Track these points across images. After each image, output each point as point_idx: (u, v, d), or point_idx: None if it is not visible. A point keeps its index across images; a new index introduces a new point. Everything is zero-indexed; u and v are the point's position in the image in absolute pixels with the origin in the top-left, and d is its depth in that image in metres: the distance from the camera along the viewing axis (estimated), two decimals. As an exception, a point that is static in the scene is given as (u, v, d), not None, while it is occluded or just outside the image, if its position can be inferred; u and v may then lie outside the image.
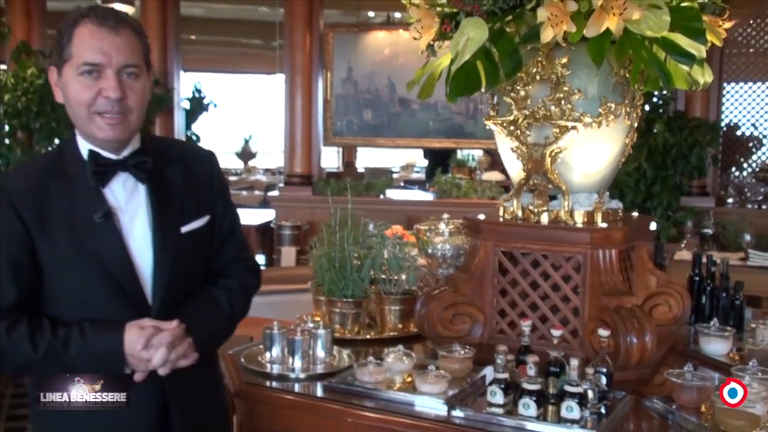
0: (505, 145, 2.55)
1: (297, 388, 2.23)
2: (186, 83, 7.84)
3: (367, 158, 12.41)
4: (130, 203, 1.79)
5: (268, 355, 2.36)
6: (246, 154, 14.02)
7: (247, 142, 13.86)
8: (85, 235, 1.72)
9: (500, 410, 2.01)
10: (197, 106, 8.13)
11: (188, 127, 7.93)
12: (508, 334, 2.48)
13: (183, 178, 1.87)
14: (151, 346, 1.70)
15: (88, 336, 1.69)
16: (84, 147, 1.80)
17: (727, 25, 2.45)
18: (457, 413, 2.03)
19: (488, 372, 2.15)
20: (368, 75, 7.36)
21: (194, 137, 8.06)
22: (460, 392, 2.14)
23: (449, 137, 7.50)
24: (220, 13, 9.68)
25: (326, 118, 7.39)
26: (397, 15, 9.39)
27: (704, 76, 2.48)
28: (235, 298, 1.97)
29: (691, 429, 1.98)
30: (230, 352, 2.47)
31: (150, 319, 1.74)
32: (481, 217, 2.62)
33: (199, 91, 8.16)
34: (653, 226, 6.12)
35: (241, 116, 11.40)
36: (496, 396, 2.04)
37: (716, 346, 2.55)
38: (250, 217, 7.27)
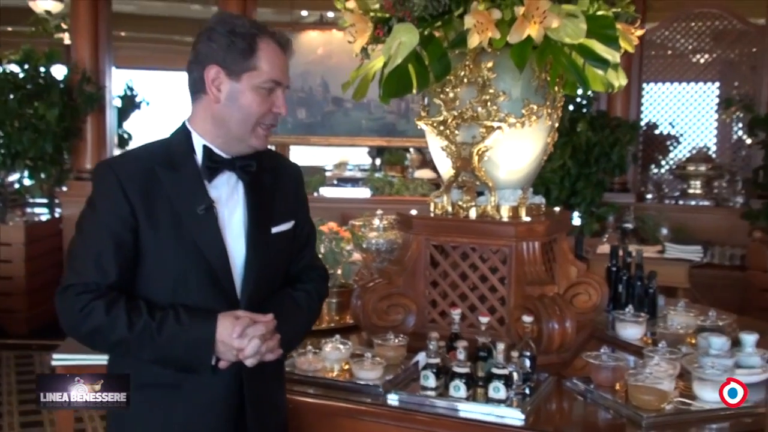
0: (435, 144, 2.68)
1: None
2: (119, 81, 7.74)
3: (300, 157, 12.45)
4: (230, 199, 1.86)
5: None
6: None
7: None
8: (187, 224, 1.78)
9: (433, 393, 2.15)
10: (129, 104, 8.04)
11: (120, 125, 7.85)
12: (440, 323, 2.62)
13: (274, 184, 1.96)
14: (245, 335, 1.74)
15: (183, 321, 1.73)
16: (199, 142, 1.86)
17: (640, 32, 2.64)
18: (392, 397, 2.15)
19: (421, 358, 2.28)
20: (302, 74, 7.42)
21: (126, 135, 7.98)
22: (395, 377, 2.27)
23: (381, 135, 7.64)
24: (152, 10, 9.58)
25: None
26: (330, 14, 9.48)
27: (619, 80, 2.65)
28: (312, 301, 2.02)
29: (607, 405, 2.15)
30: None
31: (244, 311, 1.79)
32: (414, 212, 2.75)
33: (131, 89, 8.08)
34: (577, 221, 6.35)
35: (174, 115, 11.29)
36: (429, 380, 2.17)
37: (631, 330, 2.74)
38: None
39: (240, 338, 1.74)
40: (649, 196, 7.19)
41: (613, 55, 2.45)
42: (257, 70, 1.80)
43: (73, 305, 1.73)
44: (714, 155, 7.22)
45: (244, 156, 1.88)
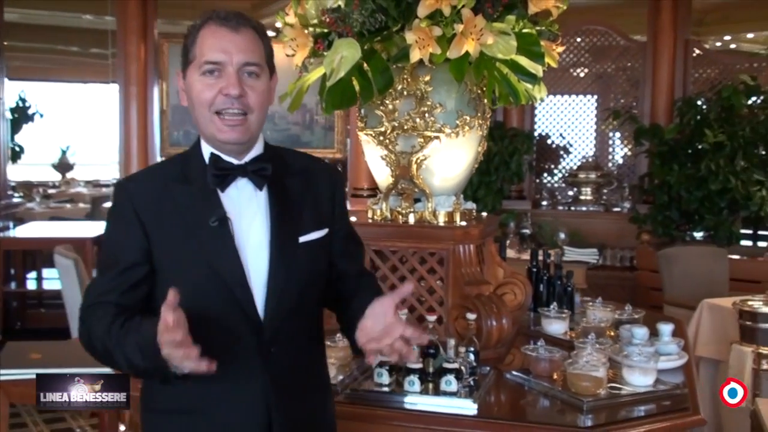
0: (374, 154, 2.81)
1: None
2: (11, 92, 7.47)
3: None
4: (247, 209, 1.75)
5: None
6: (63, 166, 13.39)
7: (64, 153, 13.26)
8: (199, 239, 1.69)
9: (387, 389, 2.26)
10: (22, 116, 7.76)
11: (12, 138, 7.58)
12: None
13: (303, 188, 1.82)
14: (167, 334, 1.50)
15: (143, 326, 1.58)
16: (207, 151, 1.76)
17: (560, 48, 2.85)
18: (348, 393, 2.25)
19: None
20: (203, 86, 7.37)
21: (17, 148, 7.71)
22: (347, 376, 2.37)
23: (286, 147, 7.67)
24: (42, 20, 9.27)
25: (163, 128, 7.34)
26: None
27: (540, 93, 2.85)
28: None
29: (547, 393, 2.33)
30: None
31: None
32: (353, 219, 2.85)
33: (23, 101, 7.81)
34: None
35: (67, 127, 10.94)
36: (383, 377, 2.29)
37: (556, 326, 2.94)
38: (84, 229, 7.07)
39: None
40: (544, 203, 7.56)
41: (537, 70, 2.65)
42: (196, 58, 1.71)
43: (80, 322, 1.71)
44: (603, 163, 7.66)
45: (256, 159, 1.76)
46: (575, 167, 7.61)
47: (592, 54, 7.62)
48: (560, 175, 7.79)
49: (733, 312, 4.03)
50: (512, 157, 6.69)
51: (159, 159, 7.48)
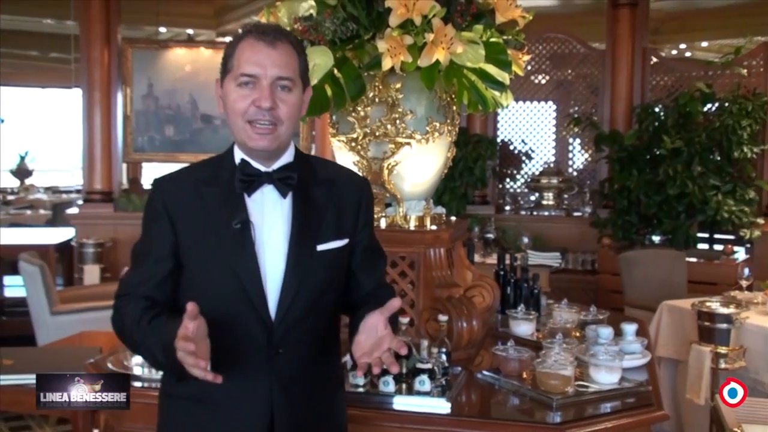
0: (346, 159, 2.85)
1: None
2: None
3: (156, 174, 12.24)
4: (270, 215, 1.81)
5: (133, 359, 2.52)
6: (22, 172, 13.21)
7: (23, 158, 13.08)
8: (222, 240, 1.77)
9: (362, 389, 2.31)
10: (-20, 121, 7.67)
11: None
12: (354, 327, 2.78)
13: (327, 197, 1.88)
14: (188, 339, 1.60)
15: (168, 326, 1.66)
16: (238, 156, 1.84)
17: (526, 57, 2.93)
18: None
19: (348, 357, 2.43)
20: (169, 91, 7.36)
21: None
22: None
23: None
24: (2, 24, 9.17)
25: (126, 134, 7.29)
26: (190, 32, 9.43)
27: (507, 100, 2.93)
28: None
29: (517, 391, 2.40)
30: (92, 361, 2.61)
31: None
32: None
33: (-17, 106, 7.71)
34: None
35: (25, 132, 10.80)
36: (358, 378, 2.33)
37: (524, 327, 3.01)
38: (46, 236, 7.01)
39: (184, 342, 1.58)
40: (507, 207, 7.67)
41: (504, 78, 2.73)
42: (233, 69, 1.79)
43: (114, 310, 1.83)
44: (564, 168, 7.80)
45: (284, 167, 1.84)
46: (537, 173, 7.74)
47: (552, 61, 7.77)
48: (522, 180, 7.91)
49: (692, 313, 4.15)
50: (476, 162, 6.80)
51: (122, 165, 7.44)
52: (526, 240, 6.71)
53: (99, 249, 6.62)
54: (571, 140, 7.91)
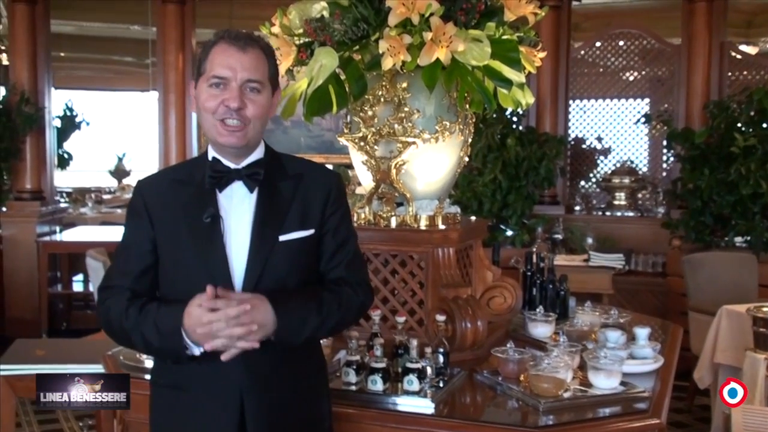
0: (357, 159, 2.88)
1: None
2: (59, 101, 7.77)
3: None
4: (237, 209, 1.93)
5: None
6: (120, 172, 13.77)
7: (120, 160, 13.66)
8: (194, 234, 1.90)
9: (353, 387, 2.33)
10: (69, 124, 8.07)
11: (60, 145, 7.88)
12: (363, 325, 2.79)
13: (294, 191, 1.97)
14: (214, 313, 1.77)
15: (161, 309, 1.88)
16: (211, 154, 1.98)
17: (542, 54, 2.88)
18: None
19: (342, 355, 2.46)
20: (241, 95, 7.53)
21: (66, 156, 8.02)
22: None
23: (320, 152, 7.82)
24: (91, 31, 9.60)
25: (200, 134, 7.53)
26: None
27: (526, 98, 2.89)
28: (333, 302, 1.95)
29: (513, 395, 2.36)
30: (109, 353, 2.73)
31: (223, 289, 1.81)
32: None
33: (70, 110, 8.11)
34: (509, 232, 6.59)
35: (114, 134, 11.28)
36: (349, 375, 2.36)
37: (541, 329, 2.96)
38: (118, 234, 7.29)
39: (209, 313, 1.76)
40: (578, 208, 7.49)
41: (518, 76, 2.69)
42: (206, 71, 1.91)
43: (98, 302, 1.98)
44: (645, 168, 7.55)
45: (252, 164, 1.95)
46: (609, 171, 7.53)
47: (641, 57, 7.54)
48: (596, 180, 7.70)
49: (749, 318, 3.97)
50: (541, 162, 6.66)
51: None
52: (590, 241, 6.55)
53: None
54: (647, 138, 7.65)
